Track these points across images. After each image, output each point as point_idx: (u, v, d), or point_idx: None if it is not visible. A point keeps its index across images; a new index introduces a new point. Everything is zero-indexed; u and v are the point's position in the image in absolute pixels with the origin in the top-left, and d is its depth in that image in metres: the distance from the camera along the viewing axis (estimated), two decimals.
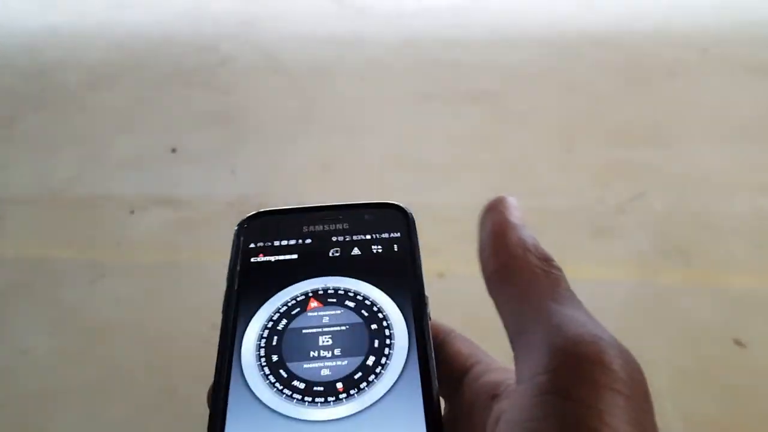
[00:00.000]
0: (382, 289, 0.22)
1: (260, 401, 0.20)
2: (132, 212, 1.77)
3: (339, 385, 0.20)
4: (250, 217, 0.26)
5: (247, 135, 2.16)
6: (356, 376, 0.21)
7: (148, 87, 2.53)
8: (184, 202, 1.80)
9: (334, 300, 0.23)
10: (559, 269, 0.20)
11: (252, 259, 0.24)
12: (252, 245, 0.24)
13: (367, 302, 0.22)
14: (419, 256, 0.24)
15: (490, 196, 0.23)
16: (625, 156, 1.97)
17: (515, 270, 0.20)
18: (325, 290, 0.23)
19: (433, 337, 0.22)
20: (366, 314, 0.22)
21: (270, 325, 0.22)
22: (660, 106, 2.30)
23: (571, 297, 0.19)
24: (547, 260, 0.20)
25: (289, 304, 0.22)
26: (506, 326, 0.20)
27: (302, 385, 0.20)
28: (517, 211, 0.21)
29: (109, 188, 1.89)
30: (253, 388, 0.20)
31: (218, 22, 3.30)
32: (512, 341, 0.20)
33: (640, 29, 3.11)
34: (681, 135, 2.10)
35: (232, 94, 2.45)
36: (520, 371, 0.19)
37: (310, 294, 0.23)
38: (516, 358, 0.19)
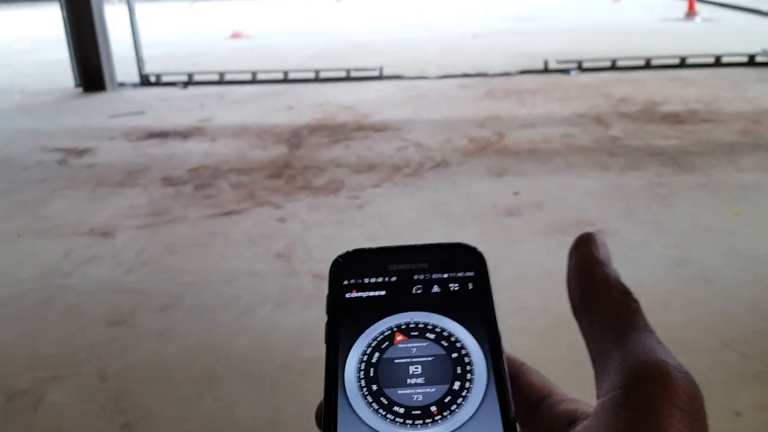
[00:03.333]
0: (460, 324, 0.27)
1: (364, 422, 0.25)
2: None
3: (432, 409, 0.25)
4: (342, 255, 0.29)
5: None
6: (444, 402, 0.25)
7: None
8: None
9: (420, 333, 0.27)
10: (636, 302, 0.24)
11: (346, 295, 0.28)
12: (345, 282, 0.29)
13: (448, 335, 0.27)
14: (492, 293, 0.28)
15: None
16: None
17: (598, 301, 0.24)
18: (412, 324, 0.27)
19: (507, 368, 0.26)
20: (448, 346, 0.26)
21: (366, 356, 0.26)
22: None
23: (646, 326, 0.23)
24: (626, 294, 0.24)
25: (381, 337, 0.27)
26: (589, 348, 0.24)
27: (399, 409, 0.25)
28: (603, 248, 0.25)
29: None
30: (357, 411, 0.25)
31: (84, 319, 2.16)
32: (594, 362, 0.24)
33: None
34: None
35: None
36: (600, 388, 0.23)
37: (398, 328, 0.27)
38: (596, 377, 0.24)
